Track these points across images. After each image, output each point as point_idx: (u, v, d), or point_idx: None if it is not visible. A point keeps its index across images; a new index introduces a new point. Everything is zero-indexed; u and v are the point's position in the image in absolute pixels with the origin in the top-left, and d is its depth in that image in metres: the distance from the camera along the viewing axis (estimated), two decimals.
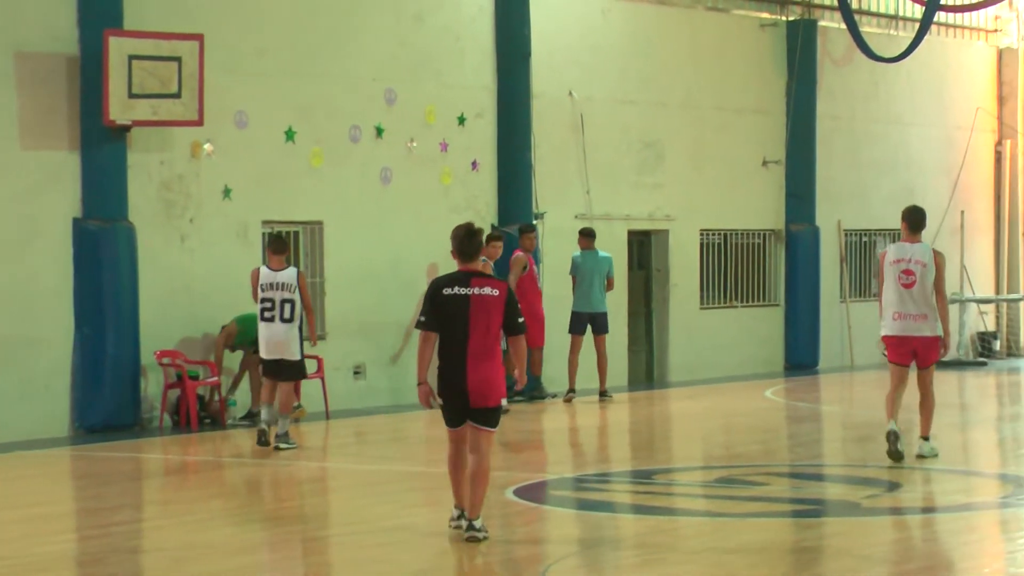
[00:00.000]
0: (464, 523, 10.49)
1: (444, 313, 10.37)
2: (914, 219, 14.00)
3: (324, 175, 19.28)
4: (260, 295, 15.60)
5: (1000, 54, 28.74)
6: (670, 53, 23.19)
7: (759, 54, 24.50)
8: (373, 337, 19.67)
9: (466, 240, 10.49)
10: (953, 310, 26.29)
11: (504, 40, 21.00)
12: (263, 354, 15.75)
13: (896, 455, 13.59)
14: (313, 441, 17.11)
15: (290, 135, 18.94)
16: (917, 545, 10.24)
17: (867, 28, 25.45)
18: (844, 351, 25.71)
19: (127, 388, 17.36)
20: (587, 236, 20.21)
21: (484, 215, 20.87)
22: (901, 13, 26.81)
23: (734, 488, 12.89)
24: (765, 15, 24.78)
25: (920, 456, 13.95)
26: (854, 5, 24.99)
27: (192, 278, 18.16)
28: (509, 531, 11.05)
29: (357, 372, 19.41)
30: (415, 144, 20.14)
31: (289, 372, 15.69)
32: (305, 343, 15.95)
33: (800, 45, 24.58)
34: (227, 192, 18.41)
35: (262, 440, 15.68)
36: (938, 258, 13.84)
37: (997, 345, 27.54)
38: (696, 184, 23.50)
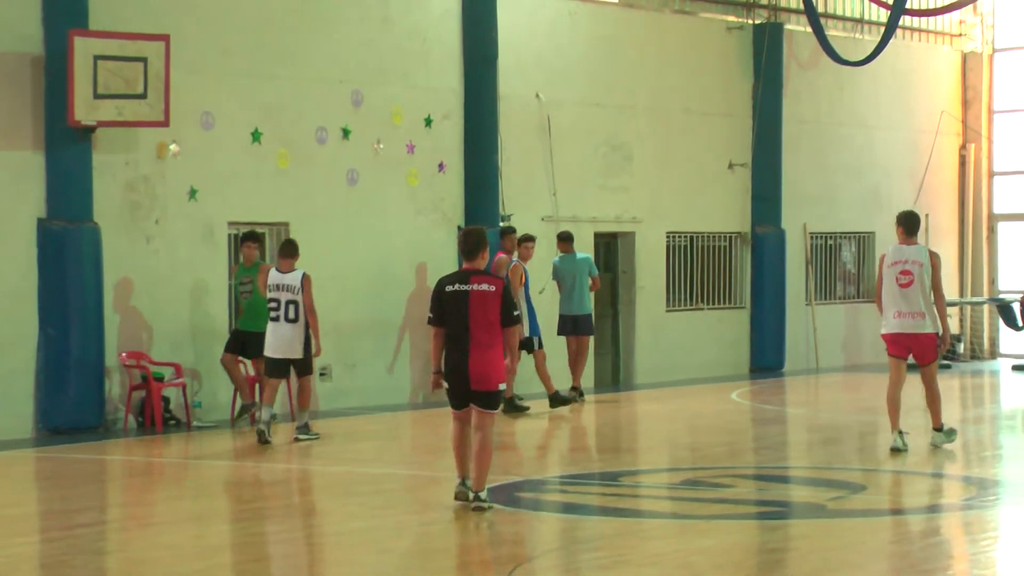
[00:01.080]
0: (471, 495, 11.55)
1: (447, 308, 11.61)
2: (909, 223, 14.87)
3: (290, 176, 19.24)
4: (268, 295, 16.18)
5: (964, 58, 28.89)
6: (637, 56, 23.23)
7: (725, 57, 24.57)
8: (339, 339, 19.62)
9: (468, 240, 11.70)
10: None
11: (471, 42, 20.99)
12: (267, 353, 16.24)
13: (899, 449, 14.63)
14: (278, 442, 17.07)
15: (256, 136, 18.89)
16: (882, 547, 10.28)
17: (833, 32, 25.55)
18: (810, 353, 25.79)
19: (92, 389, 17.28)
20: (565, 240, 20.29)
21: (451, 217, 20.86)
22: (866, 17, 26.92)
23: (700, 490, 12.92)
24: (731, 18, 24.84)
25: (934, 446, 14.90)
26: (820, 9, 25.08)
27: (157, 279, 18.09)
28: (473, 534, 11.04)
29: (323, 374, 19.36)
30: (382, 146, 20.11)
31: (299, 368, 16.34)
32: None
33: (766, 48, 24.66)
34: (193, 193, 18.35)
35: (263, 439, 15.93)
36: (934, 259, 14.65)
37: (961, 348, 27.66)
38: (662, 187, 23.54)
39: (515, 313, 11.66)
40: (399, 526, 11.36)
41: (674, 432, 17.61)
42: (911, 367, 14.88)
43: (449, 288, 11.66)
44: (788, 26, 25.27)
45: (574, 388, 20.02)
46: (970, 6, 28.11)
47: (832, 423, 18.45)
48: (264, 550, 10.73)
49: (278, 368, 16.23)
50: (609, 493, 13.05)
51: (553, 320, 20.14)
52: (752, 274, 24.86)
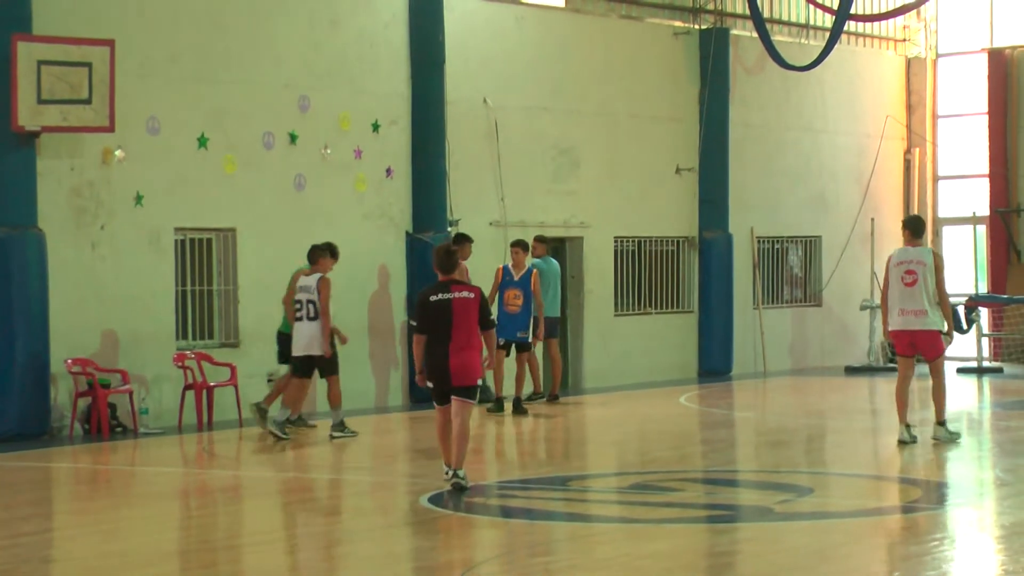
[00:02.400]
0: (450, 472, 12.72)
1: (432, 316, 12.78)
2: (914, 226, 15.69)
3: (237, 182, 19.18)
4: (295, 297, 17.14)
5: (909, 63, 29.09)
6: (584, 61, 23.28)
7: (672, 62, 24.65)
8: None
9: (444, 258, 12.93)
10: (864, 316, 26.58)
11: (418, 47, 20.98)
12: (293, 351, 17.01)
13: (905, 442, 15.47)
14: (226, 449, 17.02)
15: (203, 142, 18.82)
16: (829, 550, 10.33)
17: (779, 37, 25.68)
18: (757, 357, 25.90)
19: (37, 396, 17.16)
20: (543, 242, 20.46)
21: (398, 222, 20.84)
22: (812, 22, 27.08)
23: (648, 494, 12.95)
24: (678, 24, 24.93)
25: (936, 440, 15.52)
26: (765, 14, 25.21)
27: (103, 286, 17.99)
28: (423, 538, 11.04)
29: (270, 380, 19.29)
30: (329, 151, 20.08)
31: (323, 368, 17.00)
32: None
33: (713, 53, 24.76)
34: (139, 199, 18.25)
35: (280, 435, 16.53)
36: (937, 259, 15.45)
37: None
38: (610, 191, 23.60)
39: (490, 318, 13.02)
40: (350, 531, 11.34)
41: (622, 436, 17.64)
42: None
43: (433, 298, 12.83)
44: (734, 31, 25.38)
45: (553, 395, 20.50)
46: (914, 12, 28.32)
47: (780, 426, 18.54)
48: (213, 556, 10.68)
49: (302, 366, 16.93)
50: (558, 498, 13.06)
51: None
52: (700, 278, 24.95)
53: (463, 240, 19.12)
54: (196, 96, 18.79)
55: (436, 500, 12.36)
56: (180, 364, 18.22)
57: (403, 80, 20.92)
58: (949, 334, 15.52)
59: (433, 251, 13.34)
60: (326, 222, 20.00)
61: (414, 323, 13.05)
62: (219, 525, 12.15)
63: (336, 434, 16.90)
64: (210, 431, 17.90)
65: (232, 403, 18.35)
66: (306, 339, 16.86)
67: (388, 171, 20.74)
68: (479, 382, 12.97)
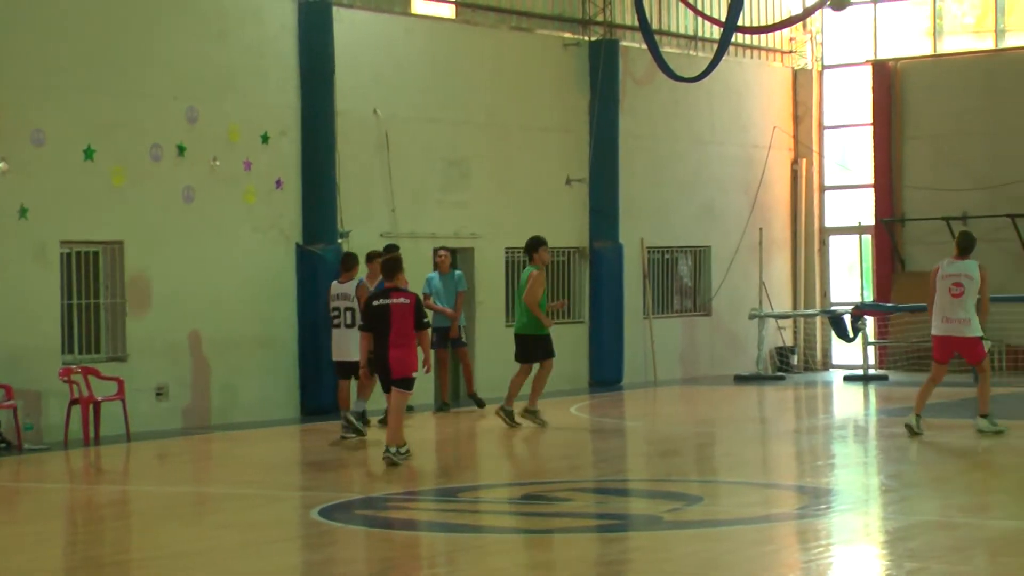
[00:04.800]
0: (389, 450, 15.04)
1: (374, 317, 14.98)
2: (964, 244, 16.97)
3: (125, 194, 18.99)
4: (331, 305, 18.03)
5: (795, 75, 29.45)
6: (475, 72, 23.32)
7: (562, 73, 24.77)
8: (176, 357, 19.41)
9: (386, 267, 15.24)
10: (753, 325, 26.84)
11: (307, 58, 20.91)
12: (334, 357, 17.99)
13: (912, 431, 16.53)
14: (114, 464, 16.83)
15: (89, 153, 18.61)
16: (717, 557, 10.41)
17: (667, 48, 25.87)
18: (647, 367, 26.07)
19: None
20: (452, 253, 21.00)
21: (289, 234, 20.74)
22: (700, 34, 27.33)
23: (539, 504, 12.98)
24: (568, 35, 25.05)
25: (980, 432, 16.60)
26: (654, 26, 25.39)
27: None
28: (313, 552, 10.99)
29: (159, 393, 19.13)
30: (218, 162, 19.94)
31: (347, 373, 17.67)
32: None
33: (602, 65, 24.92)
34: (23, 211, 18.01)
35: (354, 433, 17.27)
36: (983, 271, 16.80)
37: (795, 360, 28.17)
38: (501, 202, 23.64)
39: (424, 320, 15.08)
40: (239, 546, 11.25)
41: (513, 447, 17.66)
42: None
43: (375, 303, 15.05)
44: (623, 43, 25.55)
45: (473, 395, 21.08)
46: (800, 24, 28.68)
47: (670, 436, 18.66)
48: (99, 573, 10.55)
49: (343, 370, 17.76)
50: (448, 509, 13.05)
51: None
52: (590, 288, 25.07)
53: (392, 251, 19.43)
54: (83, 107, 18.58)
55: (327, 513, 12.31)
56: (66, 378, 17.99)
57: (292, 91, 20.83)
58: (986, 339, 16.81)
59: (381, 261, 15.73)
60: (215, 234, 19.86)
61: (361, 322, 15.38)
62: (106, 541, 12.01)
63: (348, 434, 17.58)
64: (97, 446, 17.69)
65: (119, 417, 18.14)
66: (347, 345, 17.50)
67: (278, 183, 20.64)
68: (414, 375, 15.04)
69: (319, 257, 20.65)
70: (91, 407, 17.92)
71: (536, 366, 18.65)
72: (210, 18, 20.00)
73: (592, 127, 24.95)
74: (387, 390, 15.23)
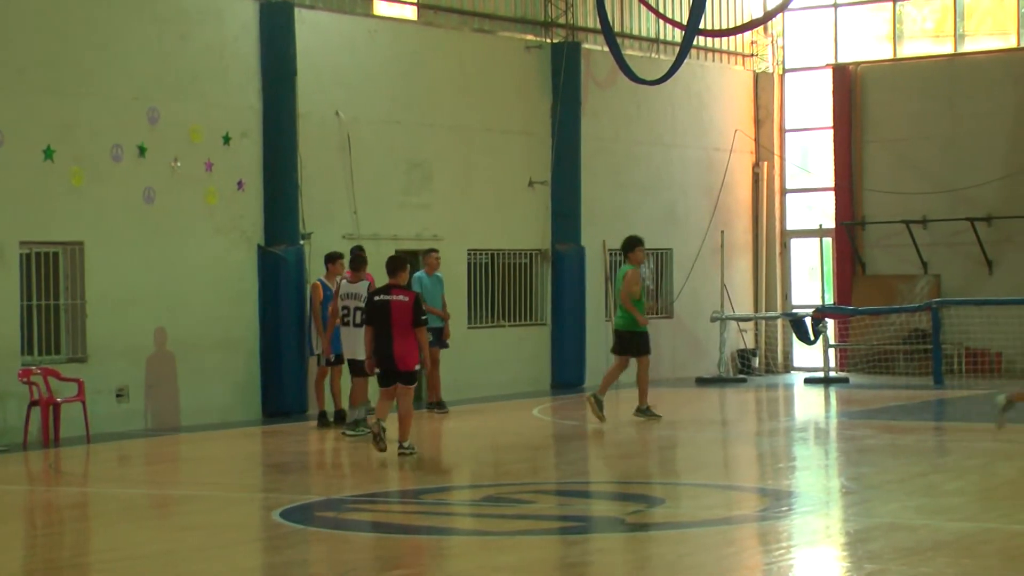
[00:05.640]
0: (399, 445, 15.80)
1: (376, 312, 15.70)
2: None
3: (85, 195, 18.90)
4: (340, 304, 18.24)
5: (756, 78, 29.55)
6: (437, 74, 23.31)
7: (525, 76, 24.78)
8: (137, 359, 19.33)
9: (390, 264, 16.02)
10: (714, 328, 26.91)
11: (269, 59, 20.86)
12: (345, 355, 18.28)
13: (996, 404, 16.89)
14: (74, 466, 16.74)
15: (49, 153, 18.52)
16: (679, 559, 10.43)
17: (629, 51, 25.93)
18: None
19: None
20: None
21: (250, 235, 20.69)
22: (662, 37, 27.38)
23: (501, 507, 12.98)
24: (530, 38, 25.07)
25: None
26: (616, 28, 25.44)
27: None
28: (274, 554, 10.96)
29: (120, 395, 19.05)
30: (179, 163, 19.87)
31: (362, 370, 17.56)
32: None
33: (564, 68, 24.94)
34: None
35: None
36: None
37: (756, 362, 28.25)
38: (463, 204, 23.64)
39: (422, 317, 15.72)
40: (198, 548, 11.21)
41: (476, 449, 17.67)
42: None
43: (377, 299, 15.84)
44: (585, 45, 25.58)
45: (439, 403, 20.86)
46: (761, 27, 28.78)
47: (632, 438, 18.68)
48: (60, 575, 10.51)
49: (353, 367, 17.93)
50: (410, 511, 13.04)
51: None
52: (552, 291, 25.09)
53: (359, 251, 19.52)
54: (43, 108, 18.49)
55: (288, 515, 12.28)
56: (25, 380, 17.89)
57: (254, 92, 20.77)
58: None
59: (386, 260, 16.26)
60: (176, 235, 19.79)
61: (364, 316, 16.15)
62: (65, 544, 11.95)
63: (350, 432, 17.80)
64: (57, 448, 17.60)
65: (80, 419, 18.05)
66: (357, 344, 17.43)
67: (239, 184, 20.58)
68: (417, 367, 15.77)
69: (280, 258, 20.60)
70: (51, 408, 17.82)
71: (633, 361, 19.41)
72: (172, 20, 19.92)
73: (554, 129, 24.97)
74: (385, 384, 15.82)
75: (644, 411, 19.31)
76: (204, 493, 14.33)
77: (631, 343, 19.27)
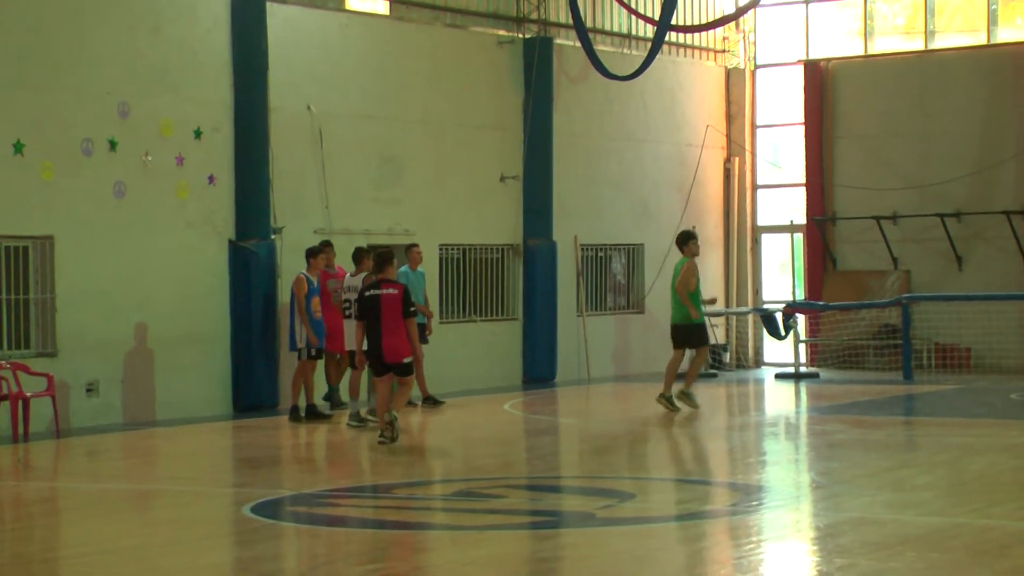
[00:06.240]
0: (386, 416, 16.31)
1: (367, 306, 16.28)
2: None
3: (55, 189, 18.84)
4: (343, 297, 19.10)
5: (728, 73, 29.61)
6: (409, 69, 23.29)
7: (497, 71, 24.78)
8: (107, 354, 19.28)
9: (377, 260, 16.56)
10: None
11: (241, 54, 20.82)
12: (346, 346, 19.05)
13: None
14: (43, 461, 16.69)
15: (19, 147, 18.45)
16: (650, 554, 10.46)
17: (601, 47, 25.96)
18: (581, 364, 26.13)
19: None
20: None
21: (221, 230, 20.64)
22: (634, 32, 27.42)
23: (472, 501, 12.99)
24: (502, 33, 25.07)
25: None
26: (588, 24, 25.46)
27: None
28: (245, 549, 10.95)
29: (90, 389, 18.99)
30: (150, 158, 19.82)
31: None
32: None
33: (536, 63, 24.95)
34: None
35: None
36: None
37: (727, 357, 28.31)
38: (435, 199, 23.63)
39: (411, 309, 16.26)
40: (169, 543, 11.19)
41: (447, 444, 17.67)
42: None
43: (367, 293, 16.38)
44: (558, 40, 25.60)
45: (430, 398, 20.94)
46: (733, 23, 28.83)
47: (603, 433, 18.72)
48: (27, 570, 10.47)
49: (353, 360, 18.15)
50: (381, 506, 13.04)
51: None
52: (524, 286, 25.11)
53: (327, 246, 20.01)
54: (12, 101, 18.42)
55: (259, 510, 12.26)
56: None
57: (226, 87, 20.73)
58: None
59: (373, 254, 16.80)
60: (147, 230, 19.74)
61: (356, 311, 16.67)
62: (34, 539, 11.91)
63: (354, 423, 18.19)
64: (26, 442, 17.54)
65: (49, 414, 17.99)
66: (353, 335, 18.03)
67: (210, 178, 20.53)
68: (407, 360, 16.28)
69: (252, 253, 20.57)
70: (20, 403, 17.76)
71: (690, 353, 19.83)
72: (143, 13, 19.87)
73: (526, 125, 24.98)
74: (378, 374, 16.42)
75: (688, 395, 19.70)
76: (174, 488, 14.30)
77: (690, 335, 19.66)
